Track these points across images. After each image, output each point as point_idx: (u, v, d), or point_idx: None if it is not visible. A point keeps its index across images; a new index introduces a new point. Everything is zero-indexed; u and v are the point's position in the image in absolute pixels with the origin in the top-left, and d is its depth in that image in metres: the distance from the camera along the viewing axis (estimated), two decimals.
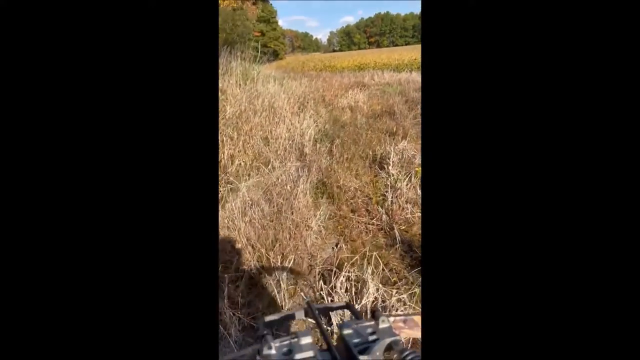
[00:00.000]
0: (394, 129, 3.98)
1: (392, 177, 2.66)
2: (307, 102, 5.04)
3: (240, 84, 5.22)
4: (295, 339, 0.38)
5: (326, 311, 0.58)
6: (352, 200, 2.44)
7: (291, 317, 0.52)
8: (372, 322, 0.41)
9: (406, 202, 2.31)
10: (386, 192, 2.45)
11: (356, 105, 5.52)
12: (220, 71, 5.30)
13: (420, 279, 1.57)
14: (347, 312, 0.92)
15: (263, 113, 3.85)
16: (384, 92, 6.91)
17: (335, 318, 1.19)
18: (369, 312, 1.31)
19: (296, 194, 2.07)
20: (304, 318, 0.53)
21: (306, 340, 0.38)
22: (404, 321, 0.48)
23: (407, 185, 2.48)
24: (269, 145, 3.03)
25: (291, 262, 1.58)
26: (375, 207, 2.30)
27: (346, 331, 0.40)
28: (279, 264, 1.46)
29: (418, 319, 0.48)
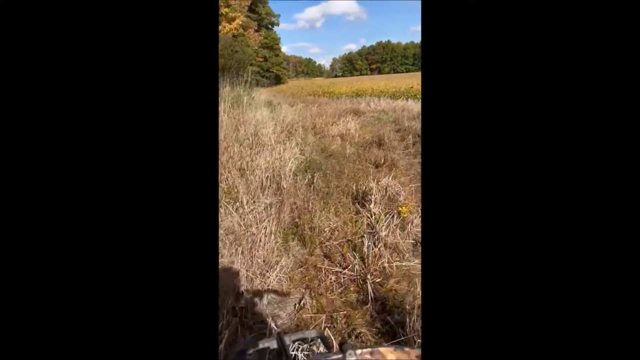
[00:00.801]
0: (382, 161, 3.80)
1: (373, 217, 2.44)
2: (296, 130, 4.90)
3: (229, 110, 5.12)
4: None
5: (300, 341, 0.60)
6: (327, 243, 2.21)
7: (265, 348, 0.53)
8: (340, 355, 0.42)
9: (385, 247, 2.08)
10: (365, 234, 2.22)
11: (347, 133, 5.39)
12: None
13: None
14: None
15: (245, 141, 3.69)
16: (379, 120, 6.81)
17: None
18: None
19: (259, 240, 1.85)
20: (276, 347, 0.54)
21: None
22: (371, 353, 0.48)
23: (387, 227, 2.25)
24: (244, 177, 2.84)
25: (237, 329, 1.33)
26: (350, 253, 2.06)
27: None
28: (220, 334, 1.22)
29: (385, 350, 0.48)
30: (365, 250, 2.05)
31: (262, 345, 0.53)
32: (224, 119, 4.70)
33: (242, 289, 1.60)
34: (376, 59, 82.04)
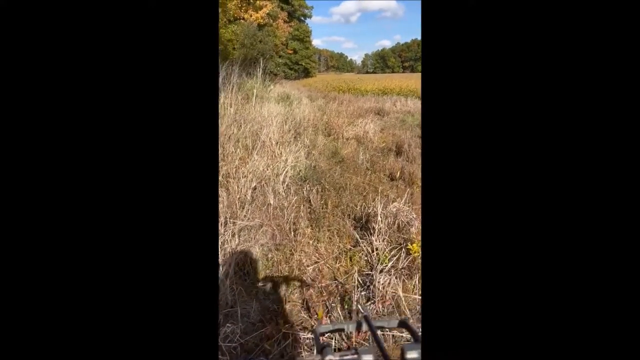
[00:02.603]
0: (399, 173, 3.22)
1: (375, 253, 1.91)
2: (306, 129, 4.40)
3: (237, 103, 4.70)
4: (356, 356, 0.38)
5: (379, 328, 0.54)
6: (310, 285, 1.71)
7: (344, 329, 0.52)
8: None
9: (382, 302, 1.55)
10: (359, 279, 1.70)
11: (365, 135, 4.83)
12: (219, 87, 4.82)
13: None
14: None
15: (241, 142, 3.24)
16: (403, 122, 6.17)
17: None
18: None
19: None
20: (356, 332, 0.53)
21: (367, 357, 0.38)
22: None
23: (390, 271, 1.72)
24: (227, 186, 2.38)
25: None
26: (334, 308, 1.55)
27: (410, 355, 0.38)
28: None
29: None
30: (355, 305, 1.53)
31: (343, 327, 0.52)
32: (229, 112, 4.29)
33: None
34: (410, 57, 79.48)
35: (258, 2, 12.15)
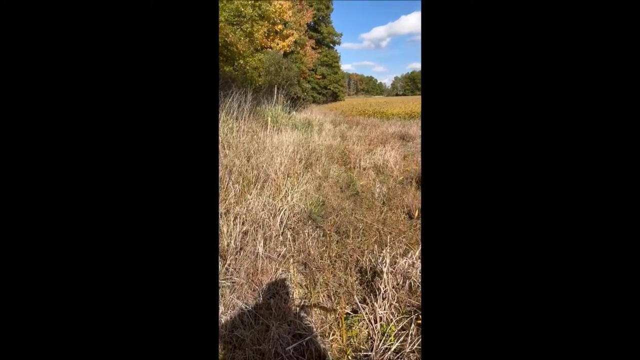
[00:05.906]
0: (417, 212, 2.81)
1: (379, 324, 1.51)
2: (319, 159, 4.12)
3: (250, 132, 4.55)
4: None
5: None
6: None
7: None
8: None
9: None
10: None
11: (385, 165, 4.45)
12: (234, 114, 4.74)
13: None
14: None
15: (244, 175, 3.01)
16: None
17: None
18: None
19: None
20: None
21: None
22: None
23: (397, 356, 1.32)
24: None
25: None
26: None
27: None
28: None
29: None
30: None
31: None
32: (241, 141, 4.12)
33: None
34: None
35: (285, 31, 12.48)
